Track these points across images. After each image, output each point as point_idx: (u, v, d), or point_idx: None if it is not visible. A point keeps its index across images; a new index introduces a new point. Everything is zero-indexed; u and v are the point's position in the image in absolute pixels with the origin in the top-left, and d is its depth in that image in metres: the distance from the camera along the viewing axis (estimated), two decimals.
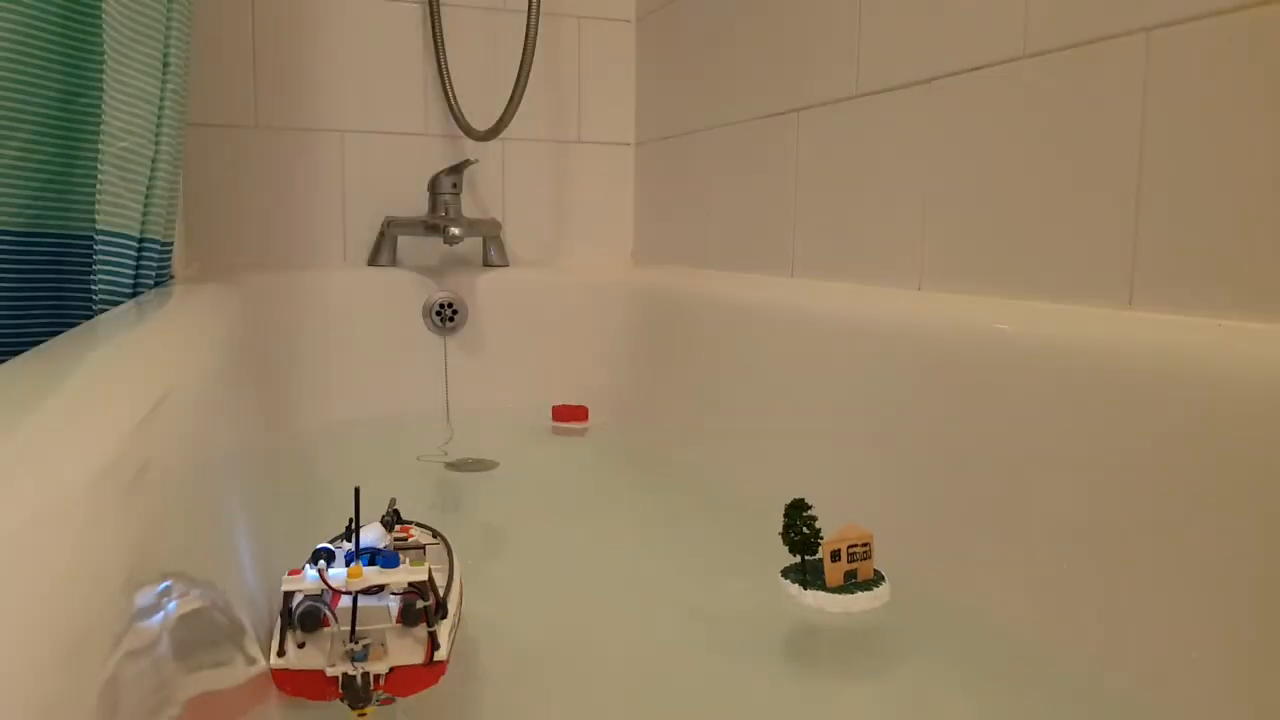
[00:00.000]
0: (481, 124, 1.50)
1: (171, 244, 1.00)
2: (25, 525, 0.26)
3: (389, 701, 0.54)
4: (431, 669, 0.54)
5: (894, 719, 0.61)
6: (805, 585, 0.74)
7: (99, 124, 0.82)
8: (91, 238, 0.83)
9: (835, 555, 0.74)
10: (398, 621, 0.54)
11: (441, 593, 0.58)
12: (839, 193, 1.10)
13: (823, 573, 0.74)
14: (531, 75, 1.43)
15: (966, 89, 0.90)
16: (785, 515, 0.76)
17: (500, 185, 1.63)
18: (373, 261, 1.54)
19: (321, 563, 0.53)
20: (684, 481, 1.14)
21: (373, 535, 0.60)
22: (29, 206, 0.82)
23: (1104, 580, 0.66)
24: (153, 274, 0.93)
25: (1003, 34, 0.86)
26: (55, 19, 0.81)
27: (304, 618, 0.52)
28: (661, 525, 0.99)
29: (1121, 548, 0.65)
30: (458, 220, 1.47)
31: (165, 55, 0.92)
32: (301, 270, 1.47)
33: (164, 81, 0.92)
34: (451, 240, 1.40)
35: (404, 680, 0.54)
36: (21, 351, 0.52)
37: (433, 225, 1.47)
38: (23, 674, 0.22)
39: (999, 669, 0.66)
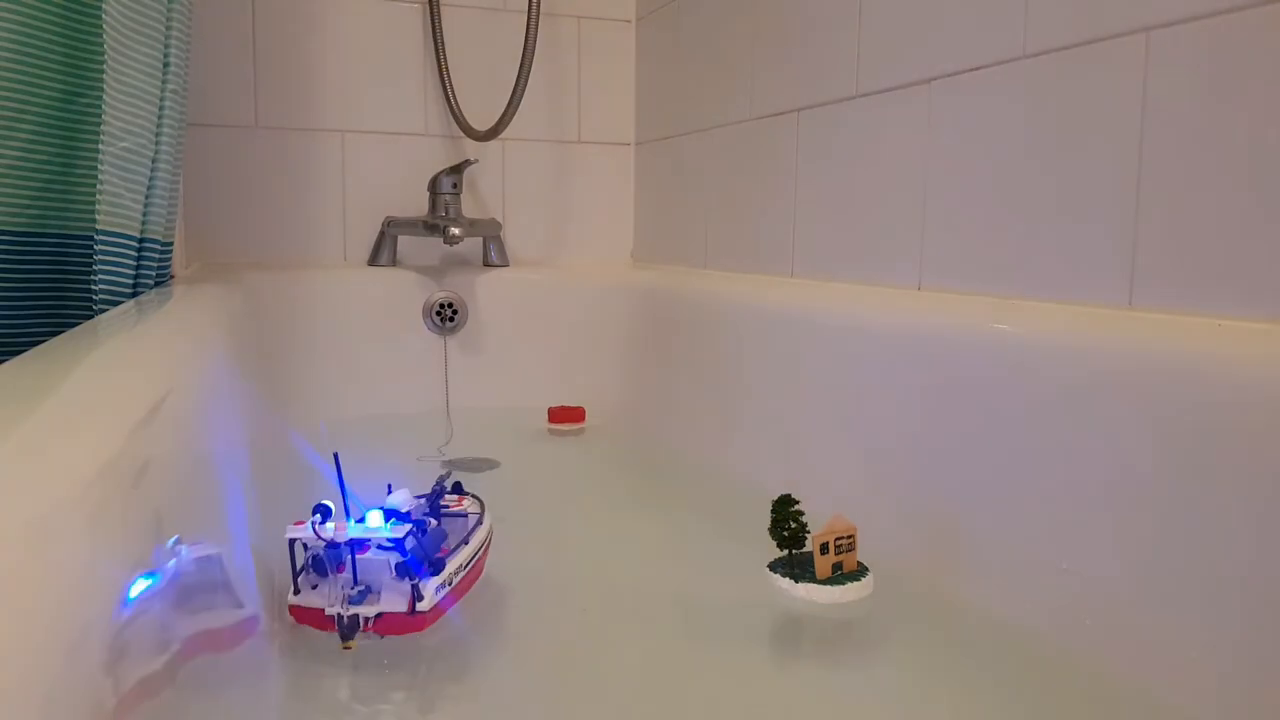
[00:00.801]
0: (481, 124, 1.50)
1: (171, 244, 1.00)
2: (25, 525, 0.26)
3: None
4: (413, 618, 0.64)
5: (884, 703, 0.61)
6: (796, 579, 0.75)
7: (99, 124, 0.82)
8: (92, 238, 0.83)
9: (824, 548, 0.76)
10: (394, 575, 0.64)
11: (445, 552, 0.68)
12: (839, 193, 1.10)
13: (812, 565, 0.76)
14: (531, 75, 1.43)
15: (966, 89, 0.90)
16: (773, 511, 0.78)
17: (500, 185, 1.64)
18: (373, 261, 1.54)
19: (317, 516, 0.63)
20: (683, 480, 1.14)
21: (400, 498, 0.68)
22: (29, 206, 0.82)
23: (1103, 578, 0.66)
24: (153, 274, 0.93)
25: (1003, 34, 0.86)
26: (55, 19, 0.81)
27: (315, 563, 0.64)
28: (661, 524, 0.99)
29: (1120, 547, 0.65)
30: (458, 220, 1.47)
31: (165, 55, 0.92)
32: (301, 270, 1.47)
33: (164, 81, 0.92)
34: (451, 240, 1.40)
35: (389, 624, 0.64)
36: (21, 351, 0.52)
37: (433, 225, 1.47)
38: (25, 671, 0.22)
39: (995, 664, 0.66)
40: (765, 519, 0.79)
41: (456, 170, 1.51)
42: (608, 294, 1.54)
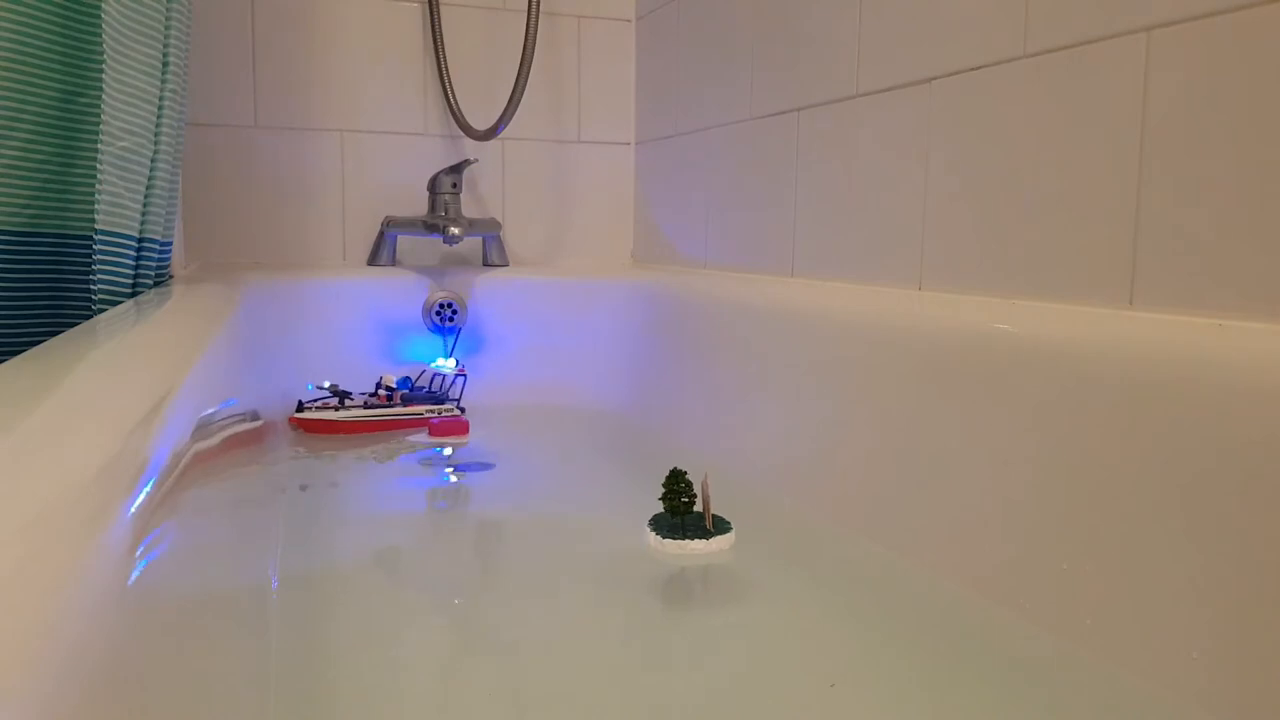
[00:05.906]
0: (481, 124, 1.50)
1: (171, 244, 1.01)
2: (25, 525, 0.26)
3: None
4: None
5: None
6: (707, 537, 0.85)
7: (99, 124, 0.82)
8: (91, 237, 0.83)
9: (706, 505, 0.88)
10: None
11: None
12: (839, 193, 1.10)
13: (695, 526, 0.86)
14: (531, 75, 1.43)
15: (966, 89, 0.90)
16: (669, 483, 0.87)
17: (500, 185, 1.63)
18: (373, 261, 1.54)
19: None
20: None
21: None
22: (28, 206, 0.82)
23: (1105, 579, 0.66)
24: (152, 274, 0.93)
25: (1003, 34, 0.86)
26: (55, 19, 0.81)
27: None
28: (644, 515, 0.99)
29: (1119, 547, 0.65)
30: (458, 220, 1.47)
31: (165, 55, 0.92)
32: (301, 270, 1.47)
33: (164, 81, 0.92)
34: (451, 240, 1.40)
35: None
36: (21, 351, 0.52)
37: (433, 225, 1.47)
38: (23, 673, 0.22)
39: (1015, 671, 0.66)
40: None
41: (456, 170, 1.51)
42: (608, 294, 1.54)
